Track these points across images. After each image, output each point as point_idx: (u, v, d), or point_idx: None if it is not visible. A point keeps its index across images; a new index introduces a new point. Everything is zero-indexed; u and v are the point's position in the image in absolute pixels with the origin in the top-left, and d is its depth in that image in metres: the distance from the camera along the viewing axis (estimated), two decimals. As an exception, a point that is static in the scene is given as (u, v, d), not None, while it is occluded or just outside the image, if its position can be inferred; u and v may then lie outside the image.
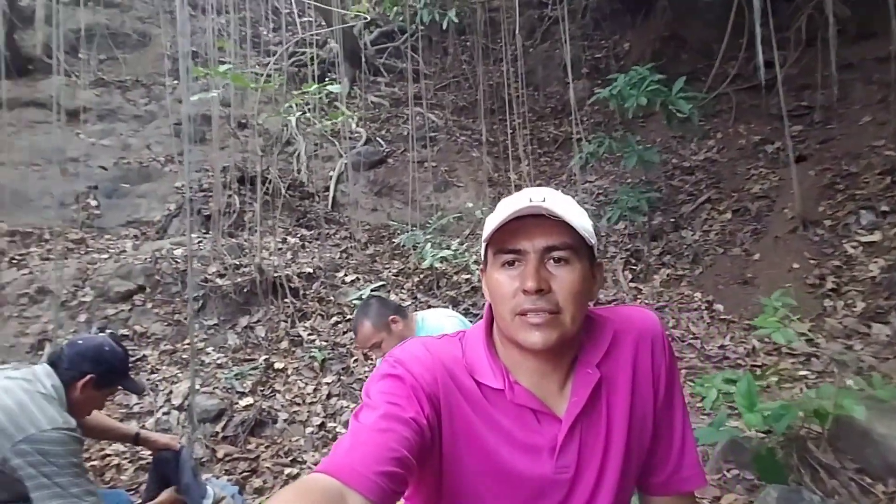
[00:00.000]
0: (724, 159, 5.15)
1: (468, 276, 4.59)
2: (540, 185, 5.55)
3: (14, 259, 4.31)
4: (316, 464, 3.14)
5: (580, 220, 0.88)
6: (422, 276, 4.75)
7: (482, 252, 0.96)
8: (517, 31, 5.81)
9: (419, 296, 4.52)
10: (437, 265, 4.31)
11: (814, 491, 2.18)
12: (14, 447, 1.58)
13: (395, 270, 4.84)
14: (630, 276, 4.37)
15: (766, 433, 2.42)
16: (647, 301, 4.12)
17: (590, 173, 5.50)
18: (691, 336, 3.75)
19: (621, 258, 4.53)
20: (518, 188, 5.51)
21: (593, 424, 0.94)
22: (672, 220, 4.79)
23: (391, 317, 2.29)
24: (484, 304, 4.14)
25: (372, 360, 3.94)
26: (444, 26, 5.39)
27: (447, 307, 4.37)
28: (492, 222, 0.89)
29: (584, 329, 0.94)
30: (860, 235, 4.04)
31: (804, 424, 2.40)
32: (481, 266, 0.98)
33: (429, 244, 4.48)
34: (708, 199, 4.83)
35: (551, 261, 0.88)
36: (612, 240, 4.76)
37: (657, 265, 4.44)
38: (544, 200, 0.85)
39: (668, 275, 4.34)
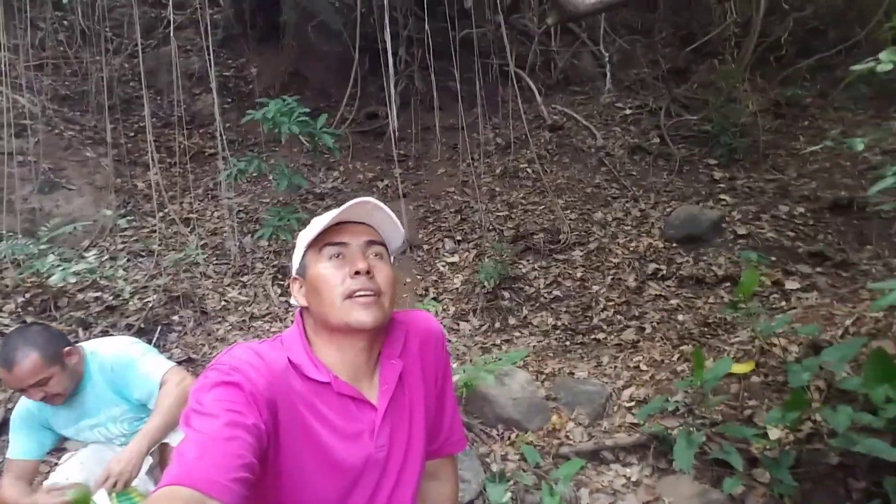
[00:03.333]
0: (348, 190, 6.00)
1: (99, 294, 3.98)
2: (173, 196, 5.23)
3: None
4: None
5: (392, 228, 1.10)
6: (28, 295, 3.84)
7: (297, 260, 1.10)
8: (137, 24, 5.34)
9: (29, 320, 3.65)
10: (63, 282, 3.60)
11: (461, 442, 3.01)
12: None
13: (-16, 289, 3.75)
14: (280, 291, 4.64)
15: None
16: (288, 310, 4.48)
17: (228, 190, 5.48)
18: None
19: (269, 273, 4.75)
20: (147, 198, 5.05)
21: (399, 408, 1.11)
22: (310, 240, 5.28)
23: (66, 348, 1.95)
24: (115, 329, 3.80)
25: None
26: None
27: (75, 331, 3.70)
28: (314, 227, 1.06)
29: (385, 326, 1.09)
30: (446, 257, 5.41)
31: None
32: (294, 277, 1.11)
33: (50, 255, 3.68)
34: (338, 223, 5.54)
35: (371, 254, 1.05)
36: (258, 256, 4.92)
37: (303, 280, 4.86)
38: (365, 209, 1.05)
39: (313, 289, 4.81)
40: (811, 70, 6.87)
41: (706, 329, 4.01)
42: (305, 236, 1.07)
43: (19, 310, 3.79)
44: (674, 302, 4.42)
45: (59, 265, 3.68)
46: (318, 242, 1.03)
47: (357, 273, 0.99)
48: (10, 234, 4.05)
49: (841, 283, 4.26)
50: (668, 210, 5.35)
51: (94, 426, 2.12)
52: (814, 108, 6.67)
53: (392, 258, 1.11)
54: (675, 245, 4.97)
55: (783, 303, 4.12)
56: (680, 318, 4.24)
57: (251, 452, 0.85)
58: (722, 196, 5.49)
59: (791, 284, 4.27)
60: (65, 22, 5.92)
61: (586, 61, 7.68)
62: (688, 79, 7.39)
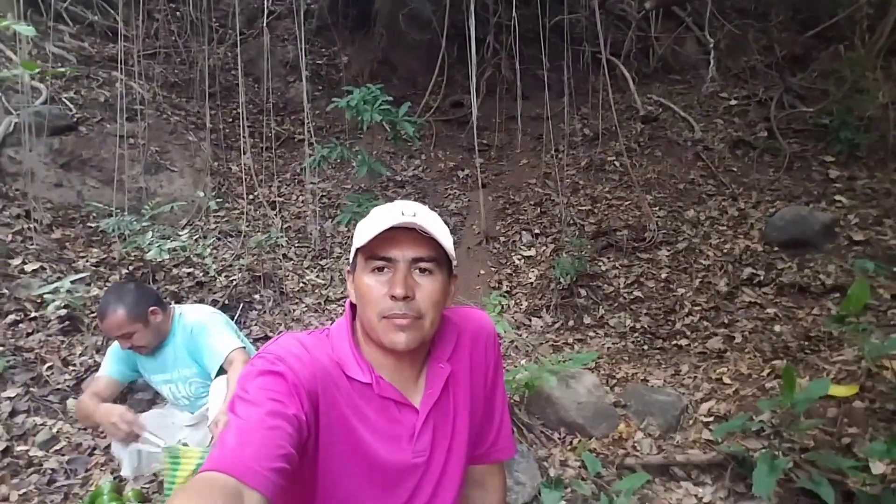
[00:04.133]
0: (428, 178, 6.01)
1: (191, 270, 4.24)
2: (262, 180, 5.48)
3: None
4: (4, 500, 2.56)
5: (445, 237, 1.00)
6: (132, 267, 4.17)
7: (351, 256, 1.06)
8: (237, 15, 5.61)
9: (129, 290, 3.97)
10: (160, 257, 3.87)
11: (520, 442, 2.90)
12: None
13: (94, 260, 4.11)
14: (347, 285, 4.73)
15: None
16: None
17: (314, 175, 5.67)
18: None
19: (346, 259, 4.86)
20: (240, 181, 5.33)
21: (442, 412, 1.08)
22: (388, 226, 5.36)
23: (151, 307, 2.17)
24: (201, 300, 3.96)
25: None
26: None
27: (168, 303, 3.97)
28: (365, 229, 0.98)
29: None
30: (522, 250, 5.27)
31: (511, 396, 3.15)
32: (348, 269, 1.08)
33: (150, 232, 3.98)
34: (416, 210, 5.58)
35: (417, 270, 0.98)
36: (337, 241, 5.04)
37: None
38: (415, 215, 0.96)
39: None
40: (961, 55, 5.96)
41: (806, 343, 3.60)
42: (358, 236, 1.02)
43: (122, 281, 4.12)
44: (770, 311, 4.02)
45: (156, 241, 3.96)
46: (366, 250, 0.99)
47: (395, 298, 0.95)
48: (119, 210, 4.41)
49: (978, 302, 3.68)
50: (772, 210, 4.87)
51: (167, 381, 2.34)
52: (961, 100, 5.80)
53: (454, 262, 1.04)
54: (776, 249, 4.52)
55: (903, 320, 3.61)
56: (776, 329, 3.84)
57: (291, 443, 0.85)
58: (837, 197, 4.91)
59: (915, 300, 3.74)
60: (177, 13, 6.37)
61: (689, 47, 7.16)
62: (806, 67, 6.68)
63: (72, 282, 3.63)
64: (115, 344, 2.31)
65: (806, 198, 5.00)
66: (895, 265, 4.06)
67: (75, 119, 4.91)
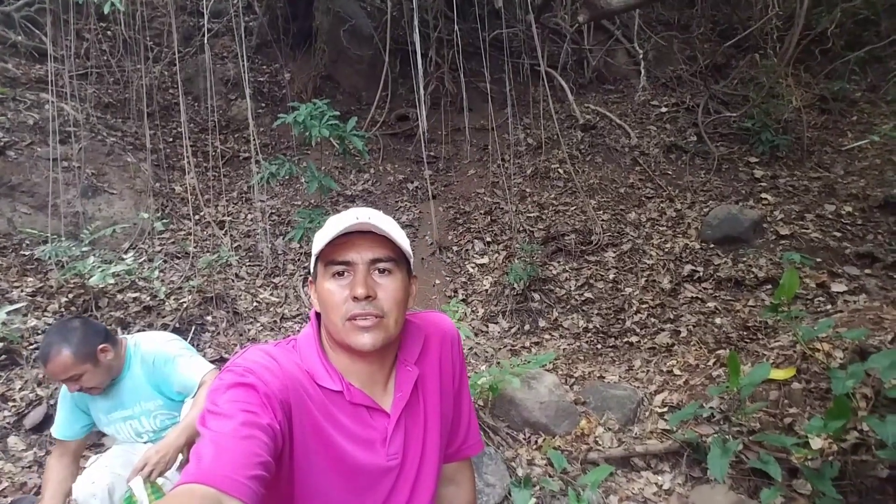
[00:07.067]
0: (378, 192, 6.02)
1: (137, 295, 4.08)
2: (209, 200, 5.35)
3: None
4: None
5: (400, 237, 1.02)
6: (71, 295, 3.98)
7: (312, 265, 1.08)
8: (175, 33, 5.48)
9: (71, 320, 3.79)
10: (103, 283, 3.71)
11: (487, 445, 2.96)
12: None
13: (30, 289, 3.90)
14: (310, 294, 4.68)
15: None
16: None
17: (262, 193, 5.58)
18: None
19: (300, 275, 4.80)
20: (184, 201, 5.17)
21: (413, 415, 1.10)
22: (340, 241, 5.33)
23: (101, 345, 2.00)
24: (161, 325, 3.87)
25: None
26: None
27: (114, 330, 3.81)
28: (322, 237, 1.00)
29: (401, 331, 1.08)
30: (476, 258, 5.37)
31: (475, 400, 3.21)
32: (310, 279, 1.10)
33: (91, 257, 3.81)
34: (368, 224, 5.58)
35: (377, 271, 1.00)
36: (290, 258, 4.97)
37: (333, 282, 4.91)
38: (370, 219, 0.99)
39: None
40: (861, 63, 6.54)
41: (745, 333, 3.85)
42: (315, 244, 1.04)
43: (62, 310, 3.92)
44: (711, 305, 4.26)
45: (99, 267, 3.79)
46: (324, 257, 1.00)
47: (356, 298, 0.97)
48: (55, 236, 4.20)
49: (892, 285, 4.03)
50: (706, 210, 5.18)
51: (127, 418, 2.17)
52: (863, 103, 6.37)
53: (411, 262, 1.07)
54: (712, 246, 4.80)
55: (829, 306, 3.92)
56: (717, 321, 4.08)
57: (267, 451, 0.85)
58: (763, 195, 5.28)
59: (837, 287, 4.07)
60: (108, 32, 6.14)
61: (620, 59, 7.53)
62: (727, 75, 7.16)
63: (7, 313, 3.44)
64: (61, 392, 2.11)
65: (735, 197, 5.34)
66: (818, 256, 4.41)
67: (2, 143, 4.65)
